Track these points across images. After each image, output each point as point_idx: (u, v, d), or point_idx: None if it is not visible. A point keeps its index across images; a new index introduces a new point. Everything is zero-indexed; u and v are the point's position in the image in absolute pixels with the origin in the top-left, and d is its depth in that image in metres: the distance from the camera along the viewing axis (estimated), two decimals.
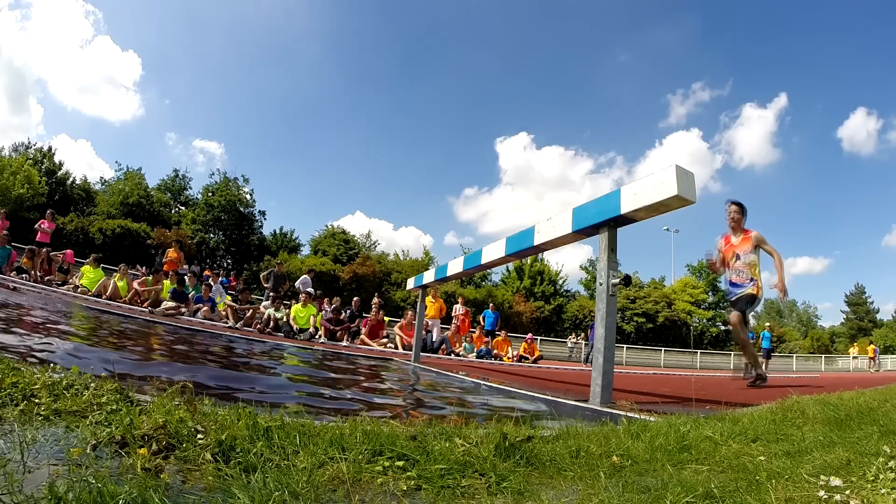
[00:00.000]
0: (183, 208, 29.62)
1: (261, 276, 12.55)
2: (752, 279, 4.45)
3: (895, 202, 51.91)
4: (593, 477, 1.02)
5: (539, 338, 17.63)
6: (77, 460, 0.83)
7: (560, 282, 29.68)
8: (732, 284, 4.66)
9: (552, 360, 15.80)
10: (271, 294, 9.99)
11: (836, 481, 0.97)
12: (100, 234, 21.43)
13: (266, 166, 51.90)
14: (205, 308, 8.46)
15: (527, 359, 11.21)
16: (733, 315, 4.43)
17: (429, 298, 10.12)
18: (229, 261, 27.92)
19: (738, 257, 4.49)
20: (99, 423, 1.01)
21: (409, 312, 9.57)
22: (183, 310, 8.13)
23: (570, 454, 1.17)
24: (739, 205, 4.66)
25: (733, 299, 4.64)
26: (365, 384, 3.19)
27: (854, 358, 26.13)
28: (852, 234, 57.10)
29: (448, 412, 2.13)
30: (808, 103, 55.22)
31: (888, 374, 16.32)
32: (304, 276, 11.42)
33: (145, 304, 8.43)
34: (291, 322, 8.47)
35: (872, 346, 25.60)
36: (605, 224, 2.61)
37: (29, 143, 26.30)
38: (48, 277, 9.10)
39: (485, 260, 4.11)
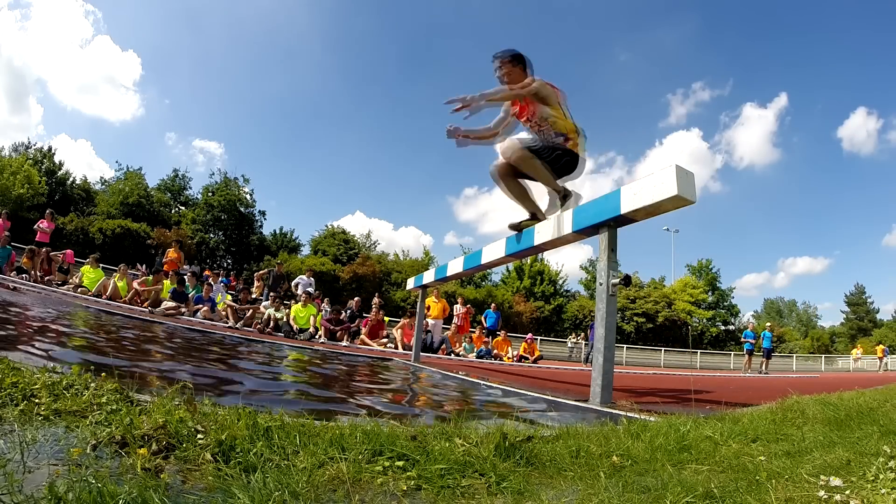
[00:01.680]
0: (183, 208, 29.63)
1: (256, 274, 12.54)
2: (559, 134, 3.13)
3: (895, 202, 51.94)
4: (593, 477, 1.02)
5: (539, 338, 17.62)
6: (77, 460, 0.83)
7: (560, 282, 29.71)
8: None
9: (552, 360, 15.80)
10: (271, 294, 9.99)
11: (836, 481, 0.97)
12: (100, 234, 21.44)
13: (266, 166, 51.96)
14: (205, 308, 8.46)
15: (527, 359, 11.21)
16: (505, 148, 3.11)
17: (432, 299, 10.12)
18: (229, 261, 27.93)
19: (530, 120, 3.24)
20: (99, 423, 1.01)
21: (410, 312, 9.58)
22: (183, 310, 8.13)
23: (570, 454, 1.17)
24: (510, 57, 3.26)
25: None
26: (365, 384, 3.19)
27: (856, 360, 26.05)
28: (852, 234, 57.17)
29: (448, 412, 2.13)
30: (808, 103, 55.34)
31: (889, 375, 16.33)
32: (301, 276, 11.38)
33: (145, 304, 8.43)
34: (291, 322, 8.47)
35: (881, 346, 25.44)
36: (605, 224, 2.61)
37: (29, 143, 26.35)
38: (48, 277, 9.10)
39: (485, 260, 4.11)
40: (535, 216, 3.34)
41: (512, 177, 3.32)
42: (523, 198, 3.42)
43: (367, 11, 58.43)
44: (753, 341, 14.29)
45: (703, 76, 66.02)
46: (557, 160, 3.13)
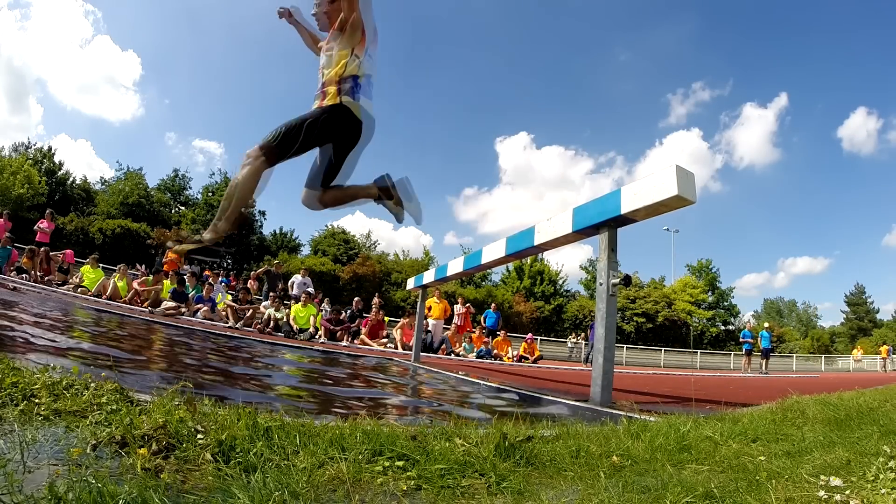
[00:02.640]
0: (183, 208, 29.64)
1: (252, 273, 12.53)
2: (322, 85, 2.49)
3: (895, 202, 51.92)
4: (593, 477, 1.02)
5: (539, 338, 17.62)
6: (77, 460, 0.82)
7: (560, 282, 29.71)
8: None
9: (552, 360, 15.80)
10: (270, 294, 10.00)
11: (836, 481, 0.97)
12: (100, 234, 21.44)
13: None
14: (205, 308, 8.46)
15: (527, 359, 11.21)
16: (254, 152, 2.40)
17: (433, 300, 10.13)
18: (229, 261, 27.93)
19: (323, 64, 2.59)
20: (99, 423, 1.00)
21: (410, 312, 9.59)
22: (183, 310, 8.14)
23: (570, 454, 1.17)
24: None
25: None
26: (365, 384, 3.19)
27: (856, 360, 26.02)
28: (852, 234, 57.08)
29: (448, 412, 2.13)
30: (808, 103, 55.31)
31: (890, 375, 16.33)
32: (296, 275, 11.38)
33: (145, 304, 8.43)
34: (291, 322, 8.47)
35: (886, 346, 25.37)
36: (605, 224, 2.61)
37: (29, 143, 26.38)
38: (48, 277, 9.10)
39: (485, 260, 4.11)
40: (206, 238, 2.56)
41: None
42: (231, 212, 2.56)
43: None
44: (752, 341, 14.32)
45: (703, 76, 66.03)
46: (317, 134, 2.42)
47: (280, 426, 1.08)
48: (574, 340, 20.08)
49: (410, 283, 6.16)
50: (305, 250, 29.69)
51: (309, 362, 4.21)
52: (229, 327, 7.73)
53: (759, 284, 61.47)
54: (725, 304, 32.67)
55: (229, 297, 9.63)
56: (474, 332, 11.05)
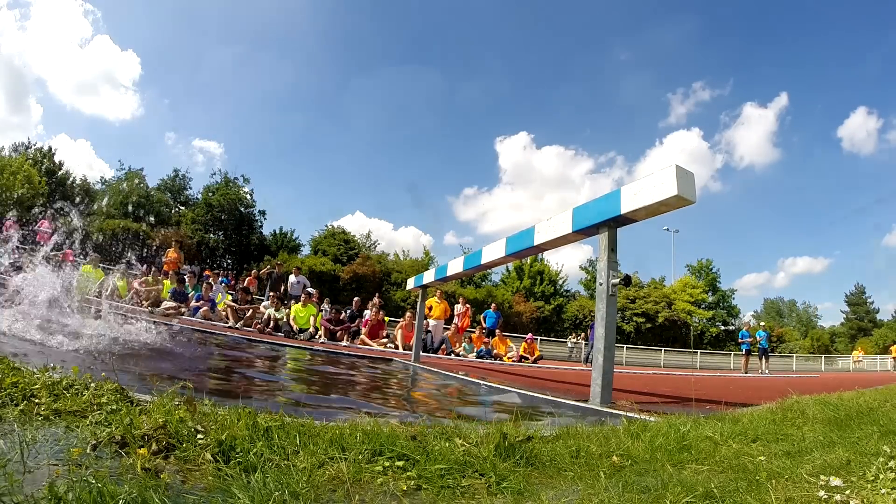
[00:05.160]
0: (183, 208, 29.64)
1: (252, 272, 12.54)
2: None
3: (895, 202, 51.86)
4: (593, 477, 1.02)
5: (539, 338, 17.61)
6: (77, 460, 0.82)
7: (560, 282, 29.70)
8: None
9: (552, 360, 15.80)
10: (271, 294, 9.99)
11: (836, 481, 0.97)
12: (100, 235, 21.45)
13: (266, 166, 51.87)
14: (205, 308, 8.46)
15: (527, 359, 11.20)
16: None
17: (434, 300, 10.13)
18: (229, 261, 27.94)
19: None
20: (99, 423, 1.00)
21: (410, 312, 9.57)
22: (183, 310, 8.14)
23: (570, 454, 1.17)
24: None
25: None
26: (365, 384, 3.19)
27: (856, 361, 25.97)
28: (852, 234, 57.01)
29: (448, 412, 2.13)
30: (808, 103, 55.08)
31: (890, 374, 16.32)
32: (290, 276, 11.39)
33: (145, 305, 8.43)
34: (291, 322, 8.47)
35: None
36: (605, 224, 2.62)
37: (29, 142, 26.38)
38: None
39: (485, 260, 4.11)
40: None
41: None
42: None
43: (367, 10, 58.42)
44: (750, 340, 14.34)
45: (703, 76, 65.81)
46: None
47: (280, 426, 1.08)
48: (574, 340, 20.08)
49: (410, 283, 6.16)
50: (305, 250, 29.68)
51: (309, 362, 4.21)
52: (229, 327, 7.73)
53: (759, 284, 61.33)
54: (726, 304, 32.68)
55: (229, 297, 9.63)
56: (473, 331, 11.04)
